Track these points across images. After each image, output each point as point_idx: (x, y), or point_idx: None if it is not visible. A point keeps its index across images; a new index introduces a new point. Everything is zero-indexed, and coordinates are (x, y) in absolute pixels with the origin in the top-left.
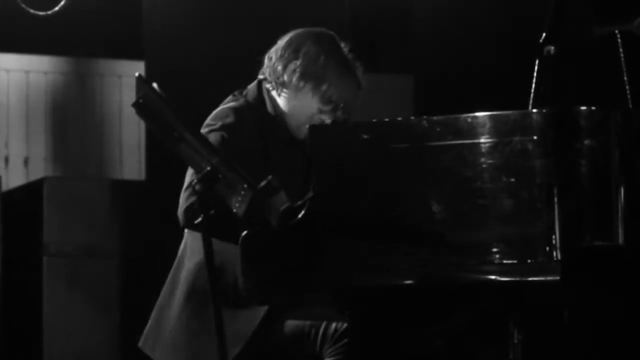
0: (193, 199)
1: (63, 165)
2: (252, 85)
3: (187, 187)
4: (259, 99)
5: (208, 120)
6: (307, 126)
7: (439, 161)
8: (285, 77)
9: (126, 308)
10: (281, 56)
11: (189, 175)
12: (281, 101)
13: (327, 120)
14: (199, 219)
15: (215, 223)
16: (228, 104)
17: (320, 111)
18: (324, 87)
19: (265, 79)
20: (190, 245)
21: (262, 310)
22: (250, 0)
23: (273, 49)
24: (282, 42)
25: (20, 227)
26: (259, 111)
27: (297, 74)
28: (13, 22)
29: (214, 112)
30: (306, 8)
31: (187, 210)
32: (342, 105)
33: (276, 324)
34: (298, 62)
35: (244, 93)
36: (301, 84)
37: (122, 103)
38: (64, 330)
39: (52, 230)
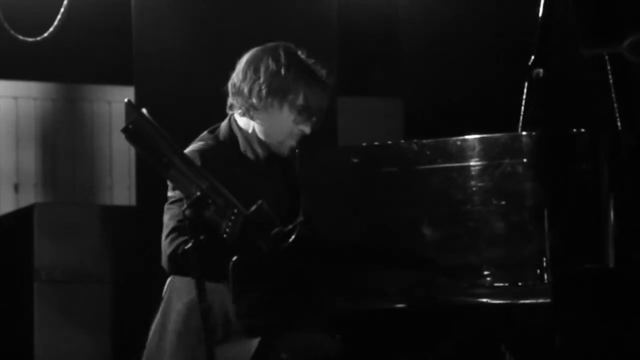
0: (176, 243)
1: (53, 191)
2: (224, 123)
3: (169, 233)
4: (230, 135)
5: None
6: (297, 151)
7: (429, 184)
8: (254, 100)
9: (117, 333)
10: (243, 79)
11: (168, 219)
12: (256, 125)
13: (307, 129)
14: (189, 245)
15: (203, 249)
16: (197, 143)
17: (296, 122)
18: (291, 98)
19: (232, 109)
20: (177, 287)
21: (254, 345)
22: (241, 27)
23: (234, 75)
24: (240, 66)
25: (11, 253)
26: (229, 148)
27: (263, 92)
28: (2, 48)
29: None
30: (295, 33)
31: (172, 255)
32: (315, 110)
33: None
34: (261, 81)
35: (216, 132)
36: (269, 101)
37: (112, 129)
38: (55, 356)
39: (42, 256)
